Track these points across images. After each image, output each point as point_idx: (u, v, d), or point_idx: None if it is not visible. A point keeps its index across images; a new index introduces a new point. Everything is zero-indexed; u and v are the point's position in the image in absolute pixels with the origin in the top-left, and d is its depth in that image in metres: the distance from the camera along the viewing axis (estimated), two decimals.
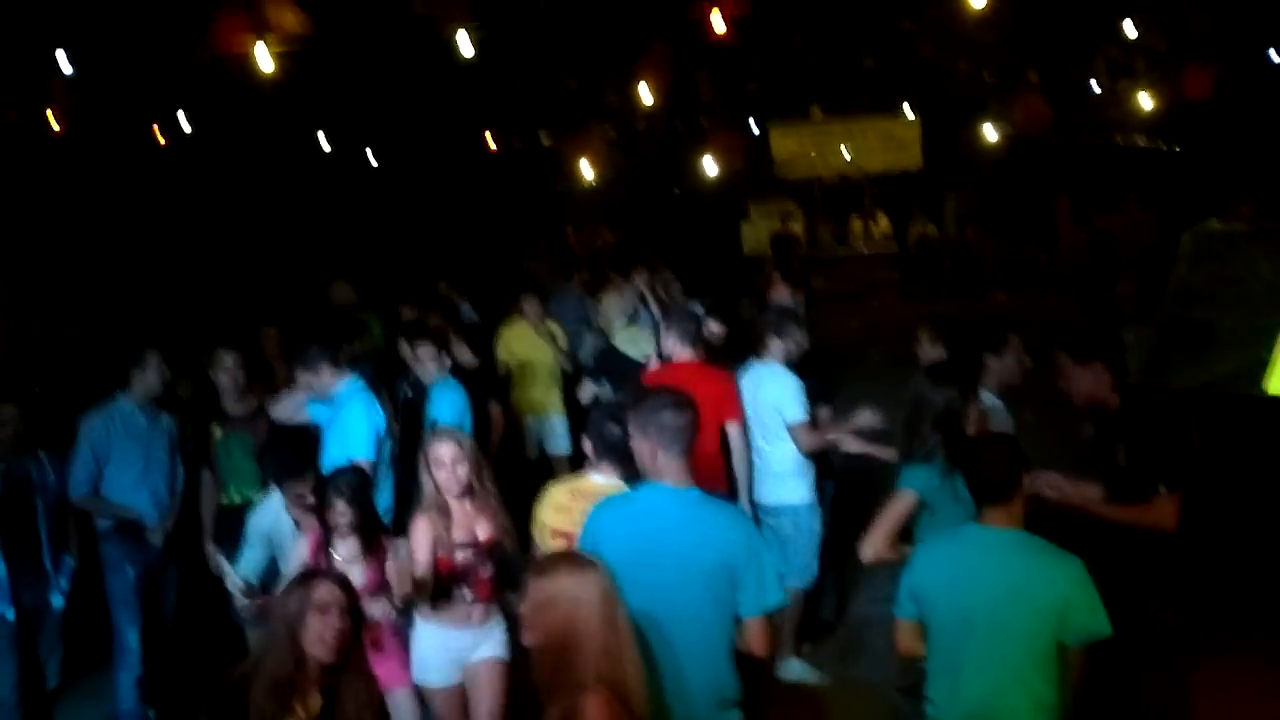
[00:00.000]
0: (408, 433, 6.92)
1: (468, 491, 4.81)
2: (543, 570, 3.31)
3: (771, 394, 6.30)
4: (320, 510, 4.90)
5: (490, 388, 8.22)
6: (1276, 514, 6.21)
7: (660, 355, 6.92)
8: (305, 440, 6.04)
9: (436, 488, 4.81)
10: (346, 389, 6.30)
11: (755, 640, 3.80)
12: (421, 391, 7.27)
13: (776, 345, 6.43)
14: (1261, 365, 4.31)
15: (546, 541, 4.60)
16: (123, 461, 6.27)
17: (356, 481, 4.95)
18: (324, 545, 4.89)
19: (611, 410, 4.86)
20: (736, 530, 3.88)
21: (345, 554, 4.85)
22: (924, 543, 4.10)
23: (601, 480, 4.68)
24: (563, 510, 4.61)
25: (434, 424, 7.03)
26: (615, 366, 7.64)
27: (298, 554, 4.98)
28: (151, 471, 6.36)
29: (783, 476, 6.32)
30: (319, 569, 4.34)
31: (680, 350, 6.46)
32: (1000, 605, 3.69)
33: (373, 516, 5.05)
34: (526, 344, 8.97)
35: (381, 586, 4.83)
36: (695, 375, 6.01)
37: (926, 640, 3.92)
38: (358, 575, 4.65)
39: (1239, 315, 4.20)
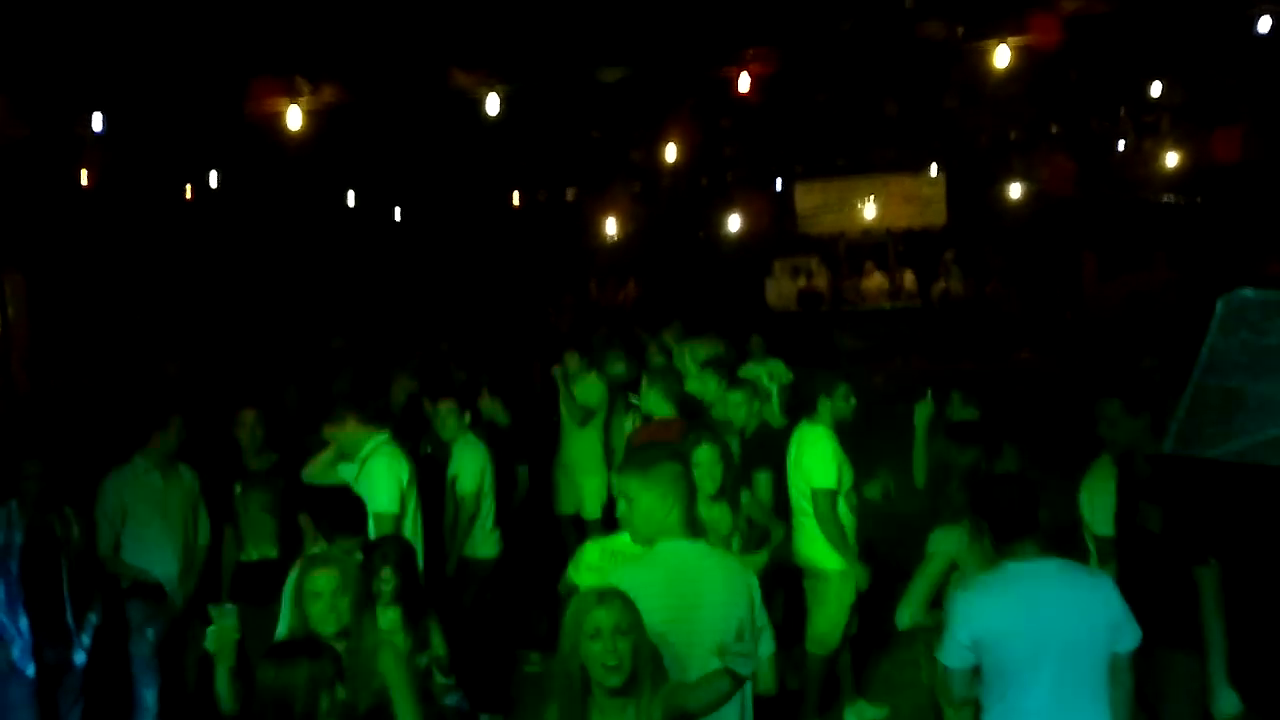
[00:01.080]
0: (428, 491, 6.87)
1: (344, 635, 4.08)
2: (596, 600, 3.33)
3: (807, 457, 6.18)
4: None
5: (517, 446, 8.18)
6: None
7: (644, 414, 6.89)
8: (353, 498, 5.96)
9: (306, 624, 4.11)
10: (372, 443, 6.27)
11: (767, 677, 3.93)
12: (443, 449, 7.23)
13: (825, 407, 6.32)
14: None
15: None
16: (140, 522, 6.29)
17: (401, 550, 4.90)
18: None
19: None
20: (750, 576, 3.89)
21: (387, 624, 4.65)
22: (967, 592, 4.00)
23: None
24: (595, 571, 4.51)
25: (453, 480, 7.01)
26: None
27: None
28: (170, 530, 6.36)
29: (818, 539, 6.12)
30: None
31: (661, 406, 6.48)
32: (1069, 628, 3.79)
33: (415, 585, 4.90)
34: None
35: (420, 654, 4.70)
36: (677, 432, 5.94)
37: (983, 682, 3.90)
38: (400, 644, 4.51)
39: (1274, 384, 4.12)
